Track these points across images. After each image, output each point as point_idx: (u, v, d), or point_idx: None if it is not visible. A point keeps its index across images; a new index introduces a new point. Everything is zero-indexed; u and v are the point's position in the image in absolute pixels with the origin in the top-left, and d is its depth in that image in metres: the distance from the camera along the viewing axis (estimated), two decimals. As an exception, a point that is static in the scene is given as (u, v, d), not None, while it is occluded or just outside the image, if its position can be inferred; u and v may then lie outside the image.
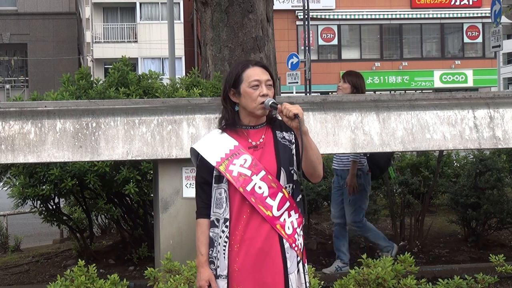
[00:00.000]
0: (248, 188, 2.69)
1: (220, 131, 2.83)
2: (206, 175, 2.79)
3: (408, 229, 6.86)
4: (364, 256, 4.38)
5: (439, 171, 7.09)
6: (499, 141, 5.05)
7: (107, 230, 8.32)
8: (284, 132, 2.80)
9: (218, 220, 2.75)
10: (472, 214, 6.77)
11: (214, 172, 2.75)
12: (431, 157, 7.96)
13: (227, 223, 2.72)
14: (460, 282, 4.29)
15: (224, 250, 2.72)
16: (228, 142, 2.77)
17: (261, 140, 2.77)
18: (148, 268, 4.21)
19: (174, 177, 4.80)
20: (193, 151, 2.86)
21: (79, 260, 4.34)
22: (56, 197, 6.27)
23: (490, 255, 4.61)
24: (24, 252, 7.86)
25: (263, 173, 2.70)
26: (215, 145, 2.78)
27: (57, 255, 7.31)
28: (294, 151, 2.78)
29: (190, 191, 4.81)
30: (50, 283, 4.07)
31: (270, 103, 2.71)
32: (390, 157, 6.05)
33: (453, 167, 8.36)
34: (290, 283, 2.69)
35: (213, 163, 2.75)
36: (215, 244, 2.75)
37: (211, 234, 2.77)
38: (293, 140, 2.79)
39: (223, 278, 2.72)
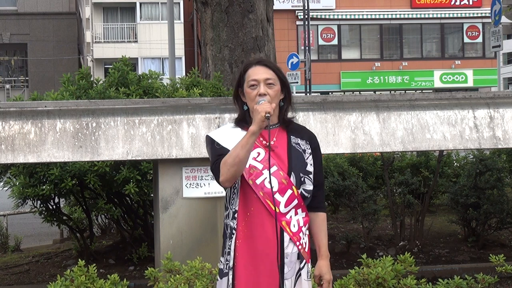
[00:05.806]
0: (258, 181, 2.66)
1: (233, 125, 2.80)
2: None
3: (408, 229, 6.86)
4: (364, 256, 4.37)
5: (439, 171, 7.09)
6: (499, 141, 5.05)
7: (107, 230, 8.32)
8: (299, 139, 2.76)
9: (233, 212, 2.71)
10: (472, 214, 6.77)
11: None
12: (431, 157, 7.97)
13: (236, 215, 2.69)
14: (460, 282, 4.28)
15: (233, 242, 2.70)
16: (242, 134, 2.69)
17: (273, 141, 2.72)
18: (148, 268, 4.20)
19: (174, 177, 4.80)
20: (208, 139, 2.78)
21: (79, 260, 4.33)
22: (56, 197, 6.27)
23: (490, 255, 4.61)
24: (24, 252, 7.86)
25: (275, 168, 2.67)
26: (231, 135, 2.73)
27: (57, 255, 7.31)
28: (307, 160, 2.73)
29: (190, 191, 4.81)
30: (50, 283, 4.07)
31: (260, 102, 2.64)
32: None
33: (453, 167, 8.38)
34: None
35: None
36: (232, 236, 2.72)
37: (231, 223, 2.72)
38: (309, 150, 2.75)
39: (225, 272, 2.70)
